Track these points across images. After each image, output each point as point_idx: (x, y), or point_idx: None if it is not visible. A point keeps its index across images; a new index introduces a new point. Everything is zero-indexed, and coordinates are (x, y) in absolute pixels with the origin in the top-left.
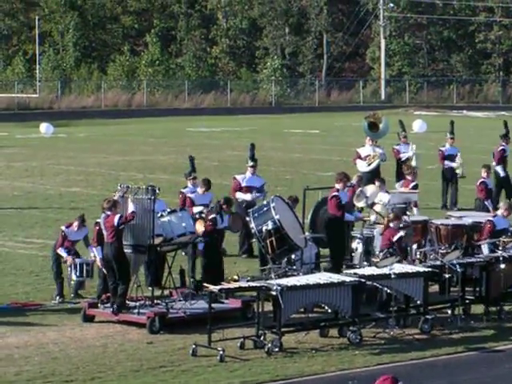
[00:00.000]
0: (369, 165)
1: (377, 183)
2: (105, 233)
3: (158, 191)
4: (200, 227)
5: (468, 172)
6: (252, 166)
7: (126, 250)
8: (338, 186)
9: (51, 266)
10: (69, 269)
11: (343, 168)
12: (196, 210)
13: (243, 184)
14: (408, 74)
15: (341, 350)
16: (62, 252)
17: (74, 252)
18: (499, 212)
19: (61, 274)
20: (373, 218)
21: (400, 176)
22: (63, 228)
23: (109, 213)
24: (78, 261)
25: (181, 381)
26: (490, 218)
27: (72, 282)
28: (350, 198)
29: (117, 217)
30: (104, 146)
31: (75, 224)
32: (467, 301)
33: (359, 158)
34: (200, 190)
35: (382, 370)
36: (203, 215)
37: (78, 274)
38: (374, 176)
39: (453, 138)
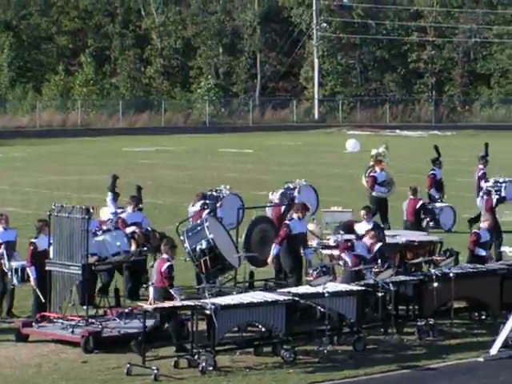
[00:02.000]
0: (388, 190)
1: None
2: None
3: (92, 211)
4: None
5: (397, 191)
6: None
7: (60, 269)
8: (295, 215)
9: None
10: (9, 273)
11: (277, 187)
12: (129, 230)
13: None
14: (341, 94)
15: (275, 369)
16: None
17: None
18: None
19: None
20: (315, 243)
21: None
22: None
23: (164, 257)
24: (16, 264)
25: None
26: (476, 230)
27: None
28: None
29: (166, 264)
30: (39, 165)
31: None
32: (400, 319)
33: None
34: (130, 209)
35: None
36: (135, 235)
37: (19, 278)
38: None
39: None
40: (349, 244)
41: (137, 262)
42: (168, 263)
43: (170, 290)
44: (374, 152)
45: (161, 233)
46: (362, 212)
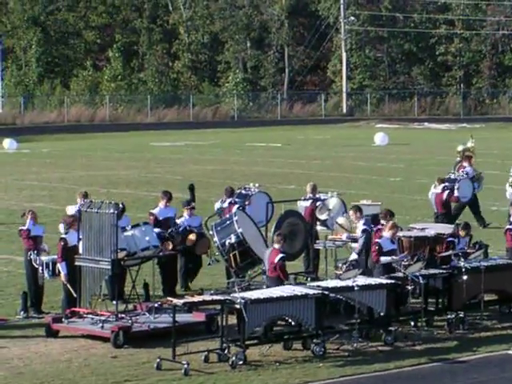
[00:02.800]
0: (479, 186)
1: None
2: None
3: (121, 206)
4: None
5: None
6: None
7: (89, 264)
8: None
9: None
10: (40, 268)
11: (306, 181)
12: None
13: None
14: (369, 87)
15: (305, 363)
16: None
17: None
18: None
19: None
20: (344, 236)
21: None
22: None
23: (276, 247)
24: (47, 259)
25: None
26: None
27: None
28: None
29: (279, 256)
30: (67, 160)
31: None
32: (430, 312)
33: None
34: (162, 204)
35: (346, 383)
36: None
37: (50, 272)
38: None
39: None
40: (377, 248)
41: (170, 259)
42: (280, 255)
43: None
44: (460, 148)
45: (198, 232)
46: (351, 212)
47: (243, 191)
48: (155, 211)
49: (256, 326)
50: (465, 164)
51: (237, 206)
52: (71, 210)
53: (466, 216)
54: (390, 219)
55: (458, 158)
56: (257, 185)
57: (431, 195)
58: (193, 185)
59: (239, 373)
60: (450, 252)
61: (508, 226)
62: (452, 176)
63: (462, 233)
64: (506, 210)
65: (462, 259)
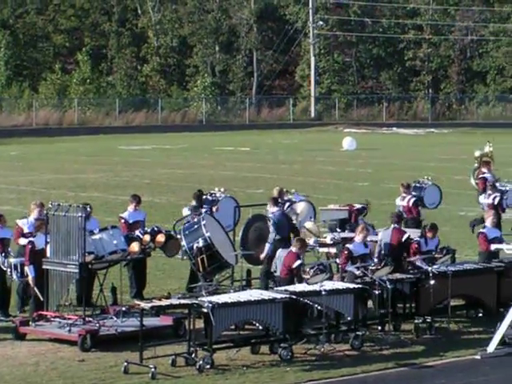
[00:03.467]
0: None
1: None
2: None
3: (89, 209)
4: (136, 247)
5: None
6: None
7: (57, 268)
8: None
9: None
10: (8, 270)
11: (274, 185)
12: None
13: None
14: (338, 92)
15: (272, 367)
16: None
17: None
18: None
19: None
20: (312, 241)
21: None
22: None
23: (293, 250)
24: (15, 261)
25: None
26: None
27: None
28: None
29: (297, 263)
30: (35, 164)
31: None
32: (397, 317)
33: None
34: (131, 207)
35: None
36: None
37: (18, 274)
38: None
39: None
40: (346, 252)
41: (138, 262)
42: (299, 261)
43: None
44: (477, 153)
45: (167, 232)
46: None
47: (209, 197)
48: (125, 215)
49: (223, 329)
50: (484, 170)
51: (205, 209)
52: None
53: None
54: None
55: (476, 164)
56: (222, 189)
57: (398, 202)
58: (201, 191)
59: (206, 377)
60: (418, 257)
61: (480, 230)
62: (498, 186)
63: (429, 234)
64: (473, 215)
65: (430, 264)
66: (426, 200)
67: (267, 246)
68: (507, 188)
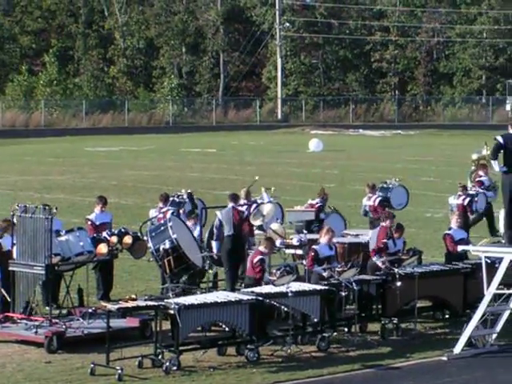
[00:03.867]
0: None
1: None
2: None
3: (55, 211)
4: (104, 249)
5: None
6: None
7: (23, 269)
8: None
9: None
10: None
11: (240, 186)
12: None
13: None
14: (304, 94)
15: (238, 368)
16: None
17: None
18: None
19: None
20: (278, 242)
21: None
22: None
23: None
24: None
25: None
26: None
27: None
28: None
29: (258, 257)
30: (2, 165)
31: None
32: (363, 318)
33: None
34: (97, 209)
35: None
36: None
37: None
38: None
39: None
40: (312, 254)
41: (105, 263)
42: (260, 256)
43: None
44: (475, 156)
45: (134, 234)
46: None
47: (176, 199)
48: (91, 217)
49: (190, 331)
50: (480, 173)
51: (171, 211)
52: None
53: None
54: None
55: (473, 167)
56: (189, 190)
57: (365, 202)
58: (190, 193)
59: (173, 378)
60: (384, 258)
61: (446, 231)
62: (470, 190)
63: (396, 234)
64: (439, 216)
65: (396, 265)
66: (392, 201)
67: (213, 244)
68: (478, 192)
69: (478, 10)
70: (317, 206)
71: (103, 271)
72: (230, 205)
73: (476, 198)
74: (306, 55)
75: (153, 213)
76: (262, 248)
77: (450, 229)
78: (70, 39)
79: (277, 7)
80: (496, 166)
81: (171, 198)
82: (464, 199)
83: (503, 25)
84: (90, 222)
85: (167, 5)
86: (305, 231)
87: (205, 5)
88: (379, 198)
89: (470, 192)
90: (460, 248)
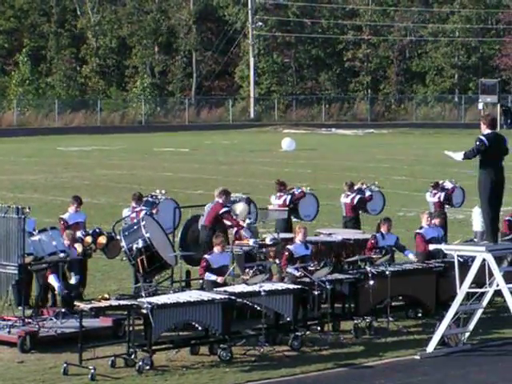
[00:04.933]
0: None
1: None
2: None
3: (27, 210)
4: (78, 249)
5: (336, 189)
6: None
7: None
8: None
9: None
10: None
11: (213, 186)
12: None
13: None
14: (277, 93)
15: (211, 368)
16: None
17: None
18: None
19: None
20: (251, 241)
21: None
22: None
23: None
24: None
25: None
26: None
27: None
28: None
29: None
30: None
31: None
32: (336, 317)
33: None
34: (71, 209)
35: None
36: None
37: None
38: None
39: None
40: (287, 254)
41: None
42: (207, 256)
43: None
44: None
45: (108, 234)
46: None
47: (150, 199)
48: (65, 216)
49: (163, 330)
50: None
51: (144, 210)
52: None
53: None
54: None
55: None
56: (163, 191)
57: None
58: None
59: (146, 378)
60: (357, 257)
61: (417, 231)
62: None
63: (383, 228)
64: (412, 215)
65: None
66: (368, 205)
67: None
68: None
69: (450, 8)
70: (288, 203)
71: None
72: (216, 199)
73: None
74: (279, 54)
75: (126, 212)
76: (215, 248)
77: (421, 228)
78: (43, 39)
79: (249, 6)
80: (459, 156)
81: (145, 198)
82: (439, 196)
83: (475, 24)
84: (62, 222)
85: (139, 4)
86: (277, 230)
87: (177, 4)
88: (358, 196)
89: (445, 187)
90: (432, 247)
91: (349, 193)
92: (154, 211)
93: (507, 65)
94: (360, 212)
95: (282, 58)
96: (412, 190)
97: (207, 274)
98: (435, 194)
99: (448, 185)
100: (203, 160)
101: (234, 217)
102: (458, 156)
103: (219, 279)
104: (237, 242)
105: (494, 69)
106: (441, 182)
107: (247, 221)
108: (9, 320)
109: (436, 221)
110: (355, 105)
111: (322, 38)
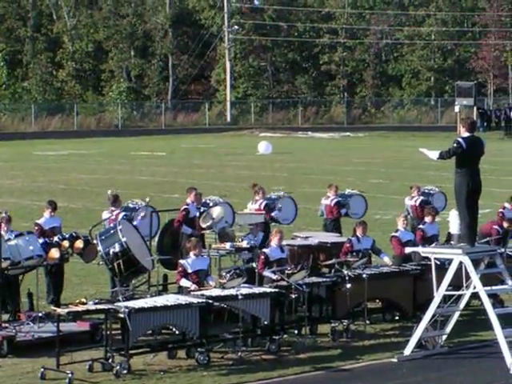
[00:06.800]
0: None
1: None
2: None
3: (4, 215)
4: (56, 253)
5: (313, 192)
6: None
7: None
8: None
9: None
10: None
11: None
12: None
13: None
14: (253, 96)
15: (189, 372)
16: None
17: None
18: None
19: None
20: (228, 245)
21: None
22: None
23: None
24: None
25: None
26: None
27: None
28: None
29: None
30: None
31: None
32: (313, 321)
33: None
34: (47, 213)
35: None
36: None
37: None
38: None
39: None
40: (263, 257)
41: (56, 267)
42: (182, 261)
43: None
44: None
45: (85, 238)
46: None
47: (130, 204)
48: (41, 221)
49: (140, 334)
50: None
51: (122, 214)
52: None
53: None
54: None
55: None
56: (147, 199)
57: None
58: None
59: (123, 382)
60: (334, 261)
61: (393, 234)
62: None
63: (358, 231)
64: (389, 218)
65: (346, 267)
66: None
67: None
68: (432, 192)
69: (426, 11)
70: (263, 207)
71: (54, 275)
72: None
73: (431, 199)
74: (255, 58)
75: (105, 215)
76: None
77: (396, 231)
78: (19, 43)
79: (225, 10)
80: (434, 155)
81: (126, 204)
82: (416, 200)
83: (451, 26)
84: (37, 227)
85: (115, 8)
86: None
87: (153, 8)
88: (336, 199)
89: (426, 191)
90: (408, 250)
91: (329, 195)
92: (142, 214)
93: (483, 67)
94: (341, 214)
95: (258, 61)
96: (389, 193)
97: (183, 280)
98: (413, 197)
99: (432, 191)
100: (180, 164)
101: (211, 221)
102: (433, 155)
103: (193, 287)
104: (214, 245)
105: (470, 71)
106: (424, 187)
107: (207, 224)
108: None
109: (429, 218)
110: (331, 108)
111: (297, 42)
